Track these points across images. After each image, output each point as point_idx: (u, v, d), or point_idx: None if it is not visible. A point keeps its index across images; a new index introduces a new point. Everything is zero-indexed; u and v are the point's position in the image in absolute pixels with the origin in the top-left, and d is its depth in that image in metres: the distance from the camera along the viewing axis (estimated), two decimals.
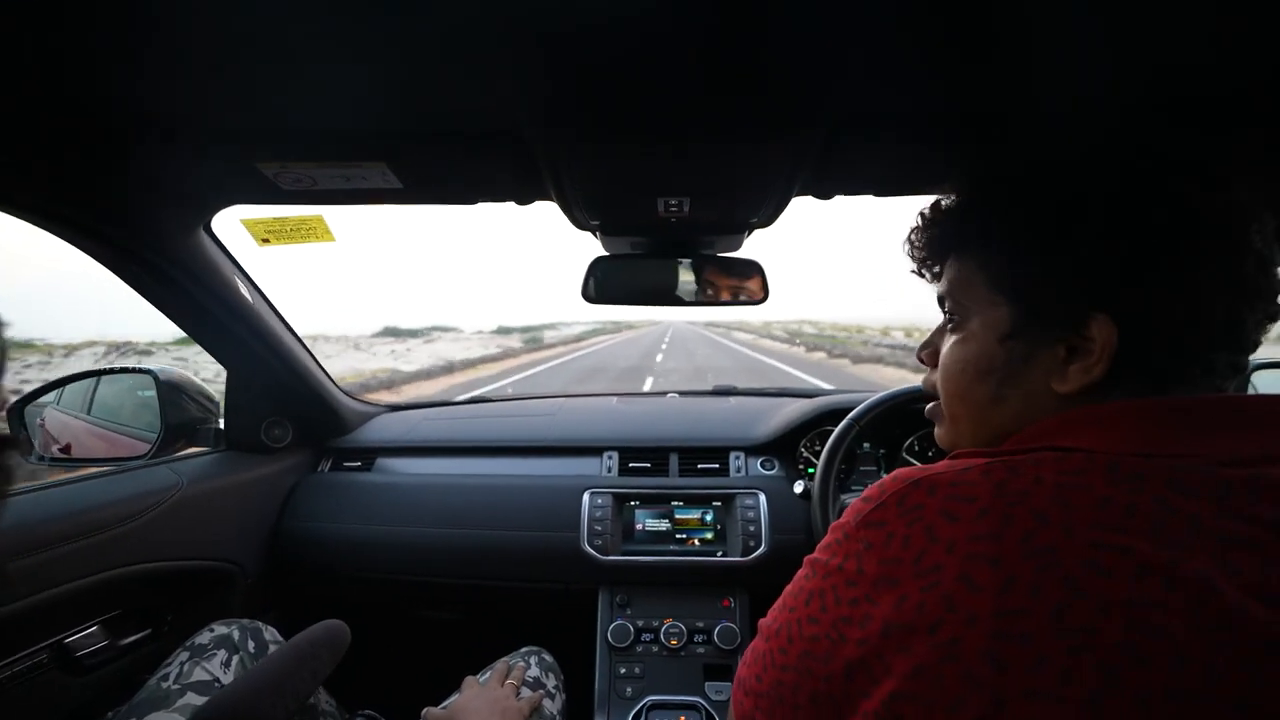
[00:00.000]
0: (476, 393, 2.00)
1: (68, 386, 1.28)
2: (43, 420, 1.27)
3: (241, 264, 1.13)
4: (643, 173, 0.81)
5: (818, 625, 0.44)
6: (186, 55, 0.56)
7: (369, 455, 1.50)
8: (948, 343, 0.55)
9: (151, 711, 0.76)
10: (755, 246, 1.12)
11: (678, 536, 1.27)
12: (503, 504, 1.32)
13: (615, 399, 1.77)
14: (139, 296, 1.06)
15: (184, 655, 0.94)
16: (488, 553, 1.28)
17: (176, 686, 0.81)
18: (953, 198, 0.55)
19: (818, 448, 1.40)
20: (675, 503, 1.30)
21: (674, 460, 1.39)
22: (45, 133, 0.70)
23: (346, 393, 1.56)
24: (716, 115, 0.65)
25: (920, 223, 0.58)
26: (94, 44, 0.54)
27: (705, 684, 1.13)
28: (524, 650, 1.07)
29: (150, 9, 0.49)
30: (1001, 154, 0.53)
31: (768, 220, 0.98)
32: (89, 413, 1.36)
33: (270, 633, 0.96)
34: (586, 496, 1.29)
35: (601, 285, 1.09)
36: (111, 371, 1.31)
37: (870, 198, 0.93)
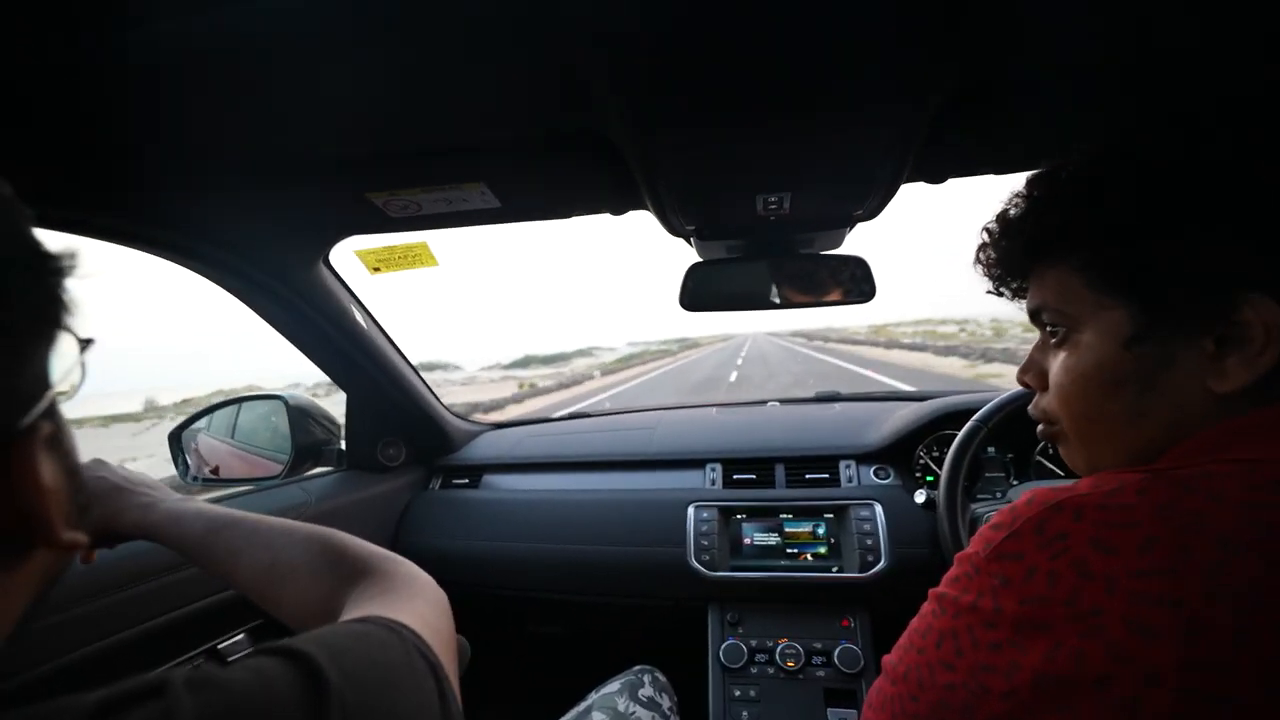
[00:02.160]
0: (575, 408, 2.02)
1: (216, 413, 1.42)
2: (196, 445, 1.41)
3: (356, 293, 1.21)
4: (738, 168, 0.77)
5: (953, 673, 0.39)
6: (308, 96, 0.60)
7: (476, 472, 1.55)
8: (1056, 359, 0.48)
9: None
10: (856, 242, 1.06)
11: (788, 551, 1.20)
12: (606, 519, 1.31)
13: (715, 410, 1.73)
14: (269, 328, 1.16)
15: None
16: (593, 568, 1.27)
17: None
18: (1024, 203, 0.49)
19: (937, 453, 1.29)
20: (784, 515, 1.24)
21: (780, 471, 1.33)
22: (190, 181, 0.77)
23: (453, 412, 1.63)
24: (811, 86, 0.59)
25: (990, 238, 0.52)
26: (240, 96, 0.59)
27: (827, 710, 1.05)
28: (637, 669, 1.05)
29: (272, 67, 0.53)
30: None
31: (873, 212, 0.92)
32: (233, 436, 1.50)
33: None
34: (691, 510, 1.26)
35: (698, 293, 1.06)
36: (251, 398, 1.44)
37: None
